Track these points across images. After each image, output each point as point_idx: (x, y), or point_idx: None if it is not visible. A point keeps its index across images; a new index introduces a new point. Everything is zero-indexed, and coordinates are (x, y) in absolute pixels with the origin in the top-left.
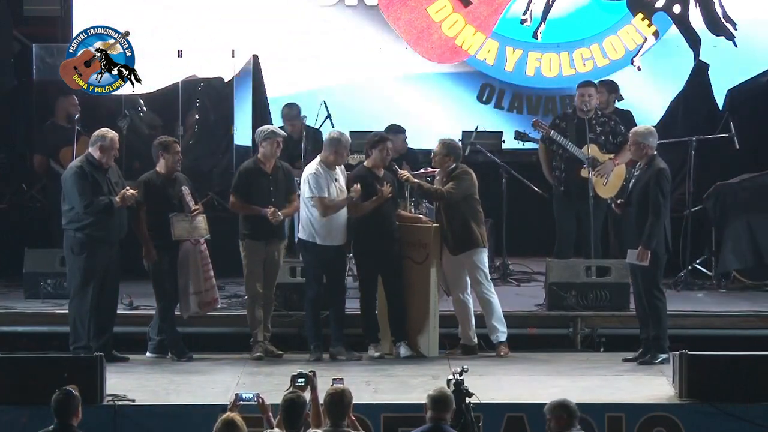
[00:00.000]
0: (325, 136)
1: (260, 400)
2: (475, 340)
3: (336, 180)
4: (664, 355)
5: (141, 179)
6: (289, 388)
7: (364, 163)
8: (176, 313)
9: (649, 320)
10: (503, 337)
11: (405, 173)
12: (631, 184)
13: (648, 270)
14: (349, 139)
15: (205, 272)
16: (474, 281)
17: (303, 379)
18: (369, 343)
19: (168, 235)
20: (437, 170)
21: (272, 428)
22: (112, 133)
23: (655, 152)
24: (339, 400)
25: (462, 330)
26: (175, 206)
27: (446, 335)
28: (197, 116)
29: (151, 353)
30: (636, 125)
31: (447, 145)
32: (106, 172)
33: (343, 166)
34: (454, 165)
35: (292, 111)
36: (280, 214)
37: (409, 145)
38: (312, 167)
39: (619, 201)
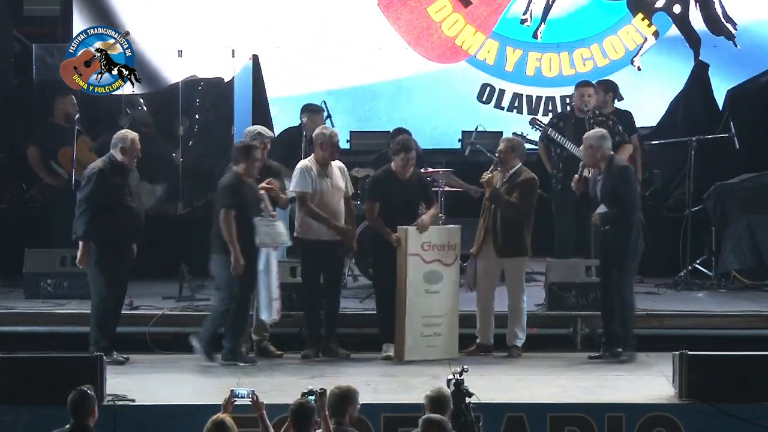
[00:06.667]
0: None
1: (255, 397)
2: (492, 341)
3: (328, 177)
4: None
5: (220, 182)
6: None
7: (391, 166)
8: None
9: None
10: (520, 343)
11: (487, 175)
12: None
13: None
14: (335, 133)
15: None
16: (511, 286)
17: (312, 397)
18: (384, 341)
19: (250, 240)
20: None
21: (266, 426)
22: (132, 134)
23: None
24: (345, 395)
25: (481, 329)
26: (255, 210)
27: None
28: (197, 116)
29: (223, 361)
30: (635, 125)
31: (513, 142)
32: (128, 174)
33: (343, 165)
34: (518, 165)
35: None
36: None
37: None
38: (301, 163)
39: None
